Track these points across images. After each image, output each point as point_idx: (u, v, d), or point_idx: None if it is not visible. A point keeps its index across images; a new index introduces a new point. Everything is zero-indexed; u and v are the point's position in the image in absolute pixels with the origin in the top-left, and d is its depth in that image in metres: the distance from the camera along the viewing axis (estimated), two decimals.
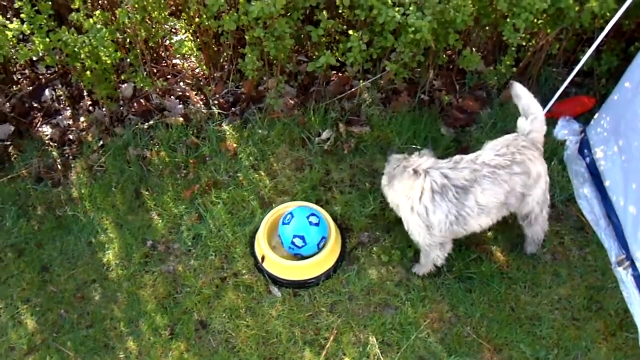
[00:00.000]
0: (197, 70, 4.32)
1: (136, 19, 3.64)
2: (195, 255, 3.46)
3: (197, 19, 3.76)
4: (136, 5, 3.58)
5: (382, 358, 3.01)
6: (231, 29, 3.61)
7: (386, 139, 3.88)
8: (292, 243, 3.27)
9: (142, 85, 3.90)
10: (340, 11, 3.75)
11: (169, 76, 4.29)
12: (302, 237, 3.25)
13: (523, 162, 2.93)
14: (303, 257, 3.32)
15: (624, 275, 3.23)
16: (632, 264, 3.22)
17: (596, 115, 3.69)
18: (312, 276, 3.28)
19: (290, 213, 3.34)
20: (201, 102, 4.14)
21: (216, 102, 4.10)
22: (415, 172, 2.94)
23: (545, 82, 4.01)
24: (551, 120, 3.75)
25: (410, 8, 3.40)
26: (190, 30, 3.94)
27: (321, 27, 3.66)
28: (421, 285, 3.23)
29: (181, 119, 4.01)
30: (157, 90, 4.09)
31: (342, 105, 4.02)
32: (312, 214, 3.32)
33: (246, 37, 3.73)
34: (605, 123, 3.60)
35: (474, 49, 3.74)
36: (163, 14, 3.77)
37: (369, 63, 3.93)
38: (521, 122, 3.10)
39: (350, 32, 3.69)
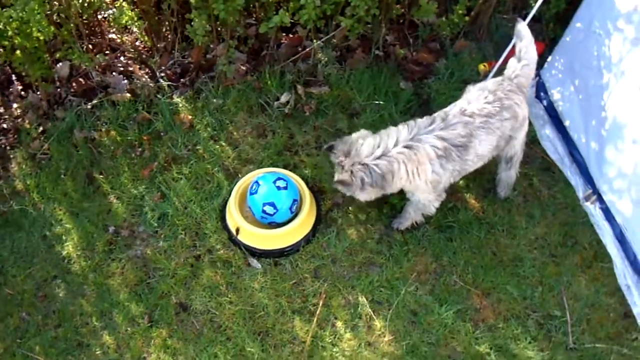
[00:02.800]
0: (137, 43, 3.93)
1: None
2: (163, 236, 3.15)
3: None
4: None
5: (374, 317, 2.88)
6: None
7: (347, 98, 3.67)
8: (264, 212, 3.02)
9: (80, 62, 3.48)
10: None
11: (107, 51, 3.87)
12: (272, 204, 3.01)
13: (511, 107, 2.83)
14: (278, 225, 3.10)
15: (593, 209, 3.24)
16: (599, 198, 3.23)
17: (549, 59, 3.64)
18: (291, 243, 3.06)
19: (256, 182, 3.08)
20: (147, 76, 3.75)
21: (163, 74, 3.73)
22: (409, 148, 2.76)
23: (497, 29, 3.91)
24: (504, 68, 3.69)
25: None
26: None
27: None
28: (402, 239, 3.10)
29: (128, 94, 3.62)
30: (97, 66, 3.69)
31: (298, 67, 3.76)
32: (279, 178, 3.08)
33: (191, 1, 3.41)
34: (559, 65, 3.56)
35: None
36: None
37: (321, 21, 3.69)
38: (512, 64, 2.97)
39: None
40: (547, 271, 3.03)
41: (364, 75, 3.73)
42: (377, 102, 3.62)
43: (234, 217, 3.08)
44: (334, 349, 2.79)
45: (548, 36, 3.86)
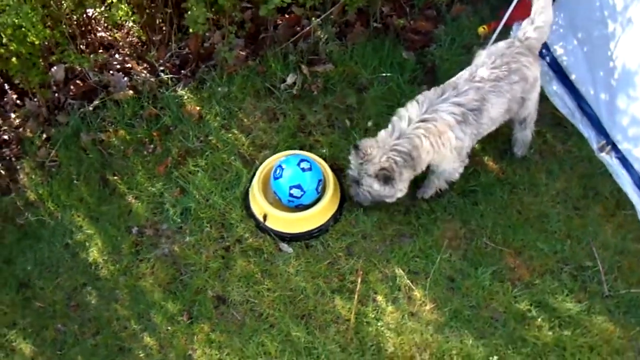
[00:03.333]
0: (130, 38, 3.81)
1: None
2: (189, 231, 3.10)
3: None
4: None
5: (413, 287, 2.88)
6: None
7: (352, 73, 3.61)
8: (291, 195, 2.98)
9: (77, 63, 3.36)
10: None
11: (100, 50, 3.74)
12: (298, 187, 2.97)
13: (519, 70, 2.83)
14: (305, 207, 3.07)
15: (609, 159, 3.27)
16: (614, 147, 3.26)
17: None
18: (320, 224, 3.03)
19: (279, 166, 3.03)
20: (146, 71, 3.63)
21: (162, 67, 3.63)
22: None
23: None
24: (505, 29, 3.67)
25: None
26: None
27: None
28: (429, 208, 3.09)
29: (130, 92, 3.51)
30: (94, 66, 3.56)
31: (299, 47, 3.69)
32: (302, 160, 3.03)
33: None
34: (560, 20, 3.54)
35: None
36: None
37: None
38: (526, 25, 2.93)
39: None
40: (573, 224, 3.07)
41: (366, 48, 3.68)
42: (383, 74, 3.58)
43: (259, 204, 3.03)
44: (379, 324, 2.79)
45: None
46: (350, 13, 3.70)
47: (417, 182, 3.11)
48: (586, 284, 2.89)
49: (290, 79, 3.59)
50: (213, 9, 3.45)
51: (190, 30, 3.47)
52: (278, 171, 3.01)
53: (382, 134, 2.83)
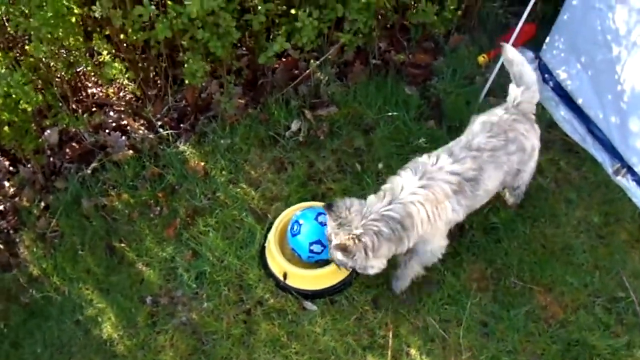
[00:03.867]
0: (122, 94, 3.69)
1: (51, 51, 2.98)
2: (206, 297, 2.96)
3: (122, 35, 3.15)
4: (48, 35, 2.91)
5: (446, 336, 2.78)
6: (164, 38, 3.07)
7: (357, 114, 3.55)
8: (311, 251, 2.86)
9: (73, 126, 3.25)
10: None
11: (94, 108, 3.62)
12: (318, 242, 2.84)
13: (516, 139, 2.70)
14: (325, 262, 2.95)
15: (626, 182, 3.25)
16: (630, 170, 3.24)
17: (548, 39, 3.62)
18: (343, 278, 2.92)
19: (296, 222, 2.92)
20: (143, 128, 3.53)
21: (160, 122, 3.52)
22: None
23: (487, 17, 3.88)
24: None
25: None
26: (113, 50, 3.30)
27: (260, 12, 3.23)
28: (452, 250, 2.99)
29: (130, 151, 3.38)
30: (90, 126, 3.43)
31: (300, 91, 3.62)
32: (320, 213, 2.92)
33: (183, 42, 3.20)
34: (560, 44, 3.55)
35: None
36: (79, 39, 3.11)
37: (316, 40, 3.56)
38: (512, 90, 2.83)
39: (293, 11, 3.31)
40: (599, 253, 3.02)
41: (368, 87, 3.63)
42: (389, 113, 3.52)
43: (278, 262, 2.92)
44: None
45: (537, 16, 3.84)
46: (349, 52, 3.65)
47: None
48: (621, 316, 2.83)
49: (294, 126, 3.51)
50: (209, 59, 3.37)
51: (186, 82, 3.40)
52: (295, 227, 2.90)
53: (372, 198, 2.59)
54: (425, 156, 2.68)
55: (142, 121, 3.54)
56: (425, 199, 2.52)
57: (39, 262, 3.11)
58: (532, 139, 2.80)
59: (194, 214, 3.20)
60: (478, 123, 2.78)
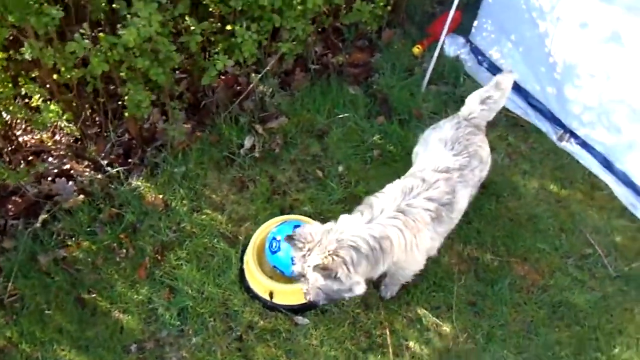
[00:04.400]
0: (59, 137, 3.48)
1: None
2: (192, 332, 2.84)
3: (55, 76, 2.97)
4: None
5: (440, 323, 2.85)
6: (101, 72, 2.94)
7: (308, 121, 3.56)
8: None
9: (13, 180, 3.02)
10: (209, 10, 3.27)
11: (30, 157, 3.38)
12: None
13: (477, 153, 2.72)
14: (284, 275, 2.87)
15: (571, 147, 3.48)
16: (572, 134, 3.47)
17: (475, 23, 3.81)
18: None
19: (274, 239, 2.88)
20: (89, 169, 3.34)
21: (106, 161, 3.36)
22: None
23: (415, 9, 4.03)
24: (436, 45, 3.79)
25: None
26: (45, 92, 3.10)
27: (196, 32, 3.16)
28: None
29: (80, 196, 3.19)
30: (32, 178, 3.21)
31: (247, 107, 3.58)
32: (296, 226, 2.90)
33: (121, 73, 3.07)
34: (488, 26, 3.73)
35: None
36: (8, 85, 2.91)
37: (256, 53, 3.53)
38: (471, 104, 2.84)
39: (229, 27, 3.27)
40: (561, 217, 3.22)
41: (313, 93, 3.65)
42: (339, 115, 3.56)
43: (262, 283, 2.87)
44: None
45: (461, 2, 4.00)
46: (289, 61, 3.65)
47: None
48: (592, 271, 3.03)
49: (248, 142, 3.46)
50: (147, 87, 3.26)
51: (127, 114, 3.26)
52: (274, 245, 2.86)
53: (345, 216, 2.48)
54: (396, 182, 2.62)
55: (86, 163, 3.35)
56: (405, 225, 2.44)
57: (1, 332, 2.86)
58: (486, 148, 2.84)
59: (162, 250, 3.08)
60: (435, 140, 2.77)
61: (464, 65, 3.82)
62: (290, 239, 2.42)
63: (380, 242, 2.39)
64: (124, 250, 3.07)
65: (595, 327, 2.82)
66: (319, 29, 3.91)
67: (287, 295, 2.87)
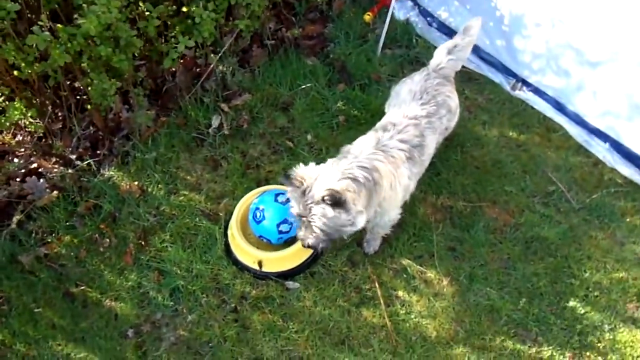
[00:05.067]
0: (22, 137, 3.43)
1: None
2: (187, 310, 2.91)
3: (15, 72, 2.93)
4: None
5: (425, 270, 3.01)
6: (63, 64, 2.92)
7: (271, 95, 3.64)
8: (280, 232, 2.93)
9: None
10: None
11: None
12: (285, 222, 2.92)
13: (445, 102, 2.89)
14: (294, 239, 3.02)
15: (524, 94, 3.69)
16: (524, 83, 3.68)
17: None
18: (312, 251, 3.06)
19: (257, 209, 2.97)
20: (58, 165, 3.33)
21: (74, 155, 3.35)
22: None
23: None
24: (386, 13, 3.93)
25: None
26: (6, 91, 3.05)
27: (152, 16, 3.17)
28: None
29: (54, 192, 3.18)
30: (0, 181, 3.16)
31: (208, 88, 3.62)
32: (278, 194, 3.00)
33: (83, 64, 3.06)
34: None
35: None
36: None
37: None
38: (439, 56, 2.99)
39: (184, 9, 3.30)
40: (523, 160, 3.43)
41: (273, 67, 3.74)
42: (301, 86, 3.66)
43: (250, 253, 2.95)
44: (412, 316, 2.88)
45: None
46: (246, 39, 3.71)
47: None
48: (557, 206, 3.25)
49: (215, 122, 3.51)
50: (109, 76, 3.25)
51: (90, 107, 3.26)
52: (258, 214, 2.95)
53: (331, 160, 2.59)
54: (370, 132, 2.78)
55: (54, 159, 3.33)
56: (387, 159, 2.59)
57: None
58: (454, 98, 3.00)
59: (145, 235, 3.12)
60: (405, 92, 2.91)
61: (415, 28, 3.98)
62: (286, 177, 2.48)
63: (372, 173, 2.50)
64: (107, 240, 3.10)
65: (566, 257, 3.06)
66: (271, 5, 3.99)
67: (276, 262, 2.97)
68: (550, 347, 2.79)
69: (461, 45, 2.94)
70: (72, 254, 3.06)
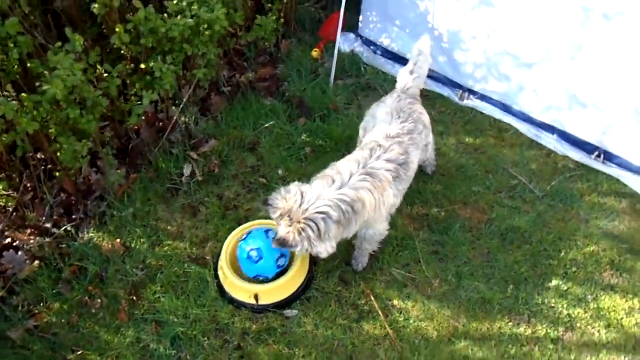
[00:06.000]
0: None
1: None
2: (190, 355, 2.91)
3: None
4: None
5: (413, 276, 3.16)
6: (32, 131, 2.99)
7: (237, 137, 3.79)
8: (278, 267, 3.02)
9: None
10: (121, 53, 3.42)
11: None
12: (282, 255, 3.02)
13: (420, 119, 3.10)
14: (267, 280, 3.06)
15: (472, 102, 4.01)
16: (471, 92, 4.01)
17: (361, 18, 4.29)
18: (304, 275, 3.15)
19: (251, 249, 3.01)
20: (34, 235, 3.32)
21: (50, 223, 3.36)
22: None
23: (303, 19, 4.44)
24: (331, 47, 4.22)
25: (194, 7, 3.35)
26: None
27: (113, 76, 3.30)
28: None
29: (35, 262, 3.16)
30: None
31: (173, 139, 3.73)
32: (267, 230, 3.06)
33: (50, 130, 3.12)
34: (373, 17, 4.22)
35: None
36: None
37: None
38: (403, 77, 3.20)
39: (143, 65, 3.44)
40: (482, 161, 3.70)
41: (234, 112, 3.91)
42: (264, 125, 3.84)
43: (244, 288, 3.03)
44: (411, 321, 3.01)
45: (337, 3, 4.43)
46: (204, 87, 3.87)
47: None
48: (523, 197, 3.52)
49: (187, 170, 3.61)
50: (77, 139, 3.33)
51: (58, 175, 3.32)
52: (255, 254, 2.96)
53: (318, 182, 2.72)
54: (356, 151, 2.96)
55: (29, 230, 3.33)
56: (373, 186, 2.75)
57: None
58: (425, 114, 3.22)
59: (135, 290, 3.13)
60: (382, 113, 3.11)
61: (361, 57, 4.27)
62: (265, 202, 2.70)
63: (353, 205, 2.67)
64: (98, 300, 3.09)
65: (540, 241, 3.30)
66: (222, 54, 4.19)
67: (272, 293, 3.05)
68: (544, 326, 2.98)
69: (420, 64, 3.18)
70: (63, 320, 3.03)
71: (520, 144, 3.79)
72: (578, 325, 3.00)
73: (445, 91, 4.06)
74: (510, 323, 3.00)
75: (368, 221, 2.89)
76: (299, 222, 2.60)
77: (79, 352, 2.94)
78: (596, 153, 3.63)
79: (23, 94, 2.92)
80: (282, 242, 2.63)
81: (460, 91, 4.02)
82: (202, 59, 3.59)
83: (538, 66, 3.62)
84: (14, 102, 2.83)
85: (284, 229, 2.62)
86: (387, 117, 3.09)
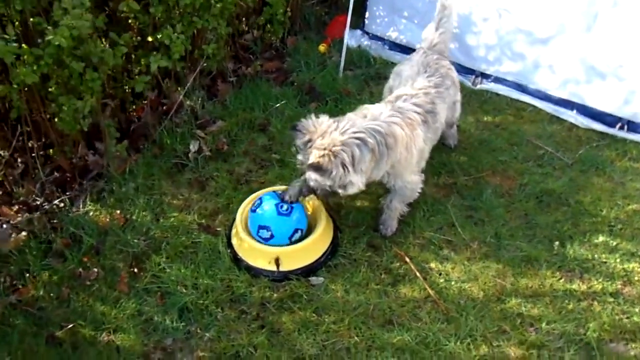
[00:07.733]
0: None
1: None
2: (202, 328, 2.42)
3: None
4: None
5: (450, 239, 2.76)
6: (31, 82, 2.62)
7: (247, 119, 3.46)
8: (258, 235, 2.63)
9: None
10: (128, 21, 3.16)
11: None
12: (265, 228, 2.61)
13: (448, 74, 2.90)
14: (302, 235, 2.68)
15: (486, 85, 3.78)
16: (484, 75, 3.80)
17: (367, 14, 4.13)
18: (329, 240, 2.71)
19: (260, 198, 2.70)
20: (22, 212, 2.86)
21: (42, 198, 2.91)
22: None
23: (309, 17, 4.28)
24: (338, 43, 4.05)
25: None
26: None
27: (121, 44, 3.01)
28: None
29: (22, 234, 2.68)
30: None
31: (178, 121, 3.38)
32: (281, 201, 2.67)
33: (51, 89, 2.76)
34: (380, 12, 4.07)
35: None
36: None
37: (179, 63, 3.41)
38: (429, 34, 3.03)
39: (150, 38, 3.18)
40: (505, 136, 3.42)
41: (242, 95, 3.61)
42: (275, 106, 3.54)
43: (263, 251, 2.59)
44: (452, 283, 2.58)
45: (344, 5, 4.28)
46: (213, 69, 3.61)
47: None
48: (552, 164, 3.22)
49: (193, 147, 3.23)
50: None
51: (53, 152, 2.95)
52: (256, 203, 2.68)
53: (350, 114, 2.50)
54: (382, 102, 2.71)
55: (17, 207, 2.87)
56: (404, 121, 2.53)
57: None
58: (454, 72, 3.01)
59: (137, 262, 2.65)
60: (408, 70, 2.89)
61: (369, 51, 4.07)
62: (294, 128, 2.47)
63: (386, 138, 2.41)
64: (95, 270, 2.59)
65: (578, 202, 2.95)
66: (229, 47, 3.97)
67: (295, 256, 2.61)
68: (599, 281, 2.58)
69: (446, 17, 3.00)
70: (51, 294, 2.51)
71: (540, 119, 3.52)
72: (636, 278, 2.59)
73: (460, 78, 3.83)
74: (562, 279, 2.58)
75: (398, 168, 2.57)
76: (335, 145, 2.29)
77: (69, 327, 2.40)
78: (619, 125, 3.40)
79: (24, 46, 2.60)
80: (316, 167, 2.29)
81: (473, 77, 3.80)
82: (212, 33, 3.35)
83: (553, 41, 3.44)
84: (14, 45, 2.50)
85: (316, 154, 2.30)
86: (413, 72, 2.85)
